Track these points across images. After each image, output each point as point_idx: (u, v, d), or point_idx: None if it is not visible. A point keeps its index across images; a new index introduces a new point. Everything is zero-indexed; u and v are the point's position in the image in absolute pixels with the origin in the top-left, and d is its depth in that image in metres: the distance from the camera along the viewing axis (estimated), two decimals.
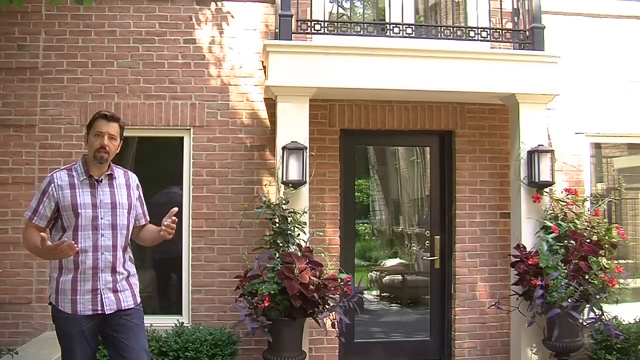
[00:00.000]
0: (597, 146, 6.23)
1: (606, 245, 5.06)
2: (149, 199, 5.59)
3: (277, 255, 4.71)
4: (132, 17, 5.53)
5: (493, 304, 5.36)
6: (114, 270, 3.27)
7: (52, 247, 3.00)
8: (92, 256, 3.20)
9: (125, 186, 3.41)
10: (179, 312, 5.44)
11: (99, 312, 3.22)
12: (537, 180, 5.18)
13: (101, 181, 3.31)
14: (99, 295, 3.22)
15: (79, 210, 3.20)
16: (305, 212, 4.94)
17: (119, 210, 3.32)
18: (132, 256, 3.49)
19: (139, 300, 3.43)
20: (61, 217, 3.23)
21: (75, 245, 3.06)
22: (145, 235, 3.56)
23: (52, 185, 3.23)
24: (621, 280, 4.98)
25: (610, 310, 5.09)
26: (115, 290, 3.27)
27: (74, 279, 3.19)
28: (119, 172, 3.43)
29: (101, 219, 3.25)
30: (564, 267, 4.84)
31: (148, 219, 3.61)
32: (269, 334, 4.55)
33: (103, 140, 3.26)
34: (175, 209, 3.36)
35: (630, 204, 6.37)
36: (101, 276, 3.22)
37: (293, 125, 5.04)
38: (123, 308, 3.29)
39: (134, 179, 3.50)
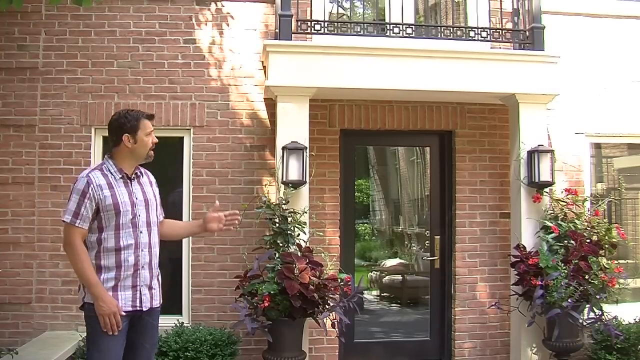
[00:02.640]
0: (597, 146, 6.23)
1: (606, 245, 5.06)
2: None
3: (277, 255, 4.71)
4: (132, 17, 5.53)
5: (493, 304, 5.36)
6: (150, 267, 3.32)
7: (110, 315, 3.09)
8: (133, 254, 3.24)
9: (149, 183, 3.47)
10: (179, 312, 5.44)
11: (137, 308, 3.25)
12: (537, 180, 5.18)
13: (133, 179, 3.35)
14: (138, 292, 3.25)
15: (121, 209, 3.22)
16: (305, 212, 4.93)
17: (150, 207, 3.38)
18: None
19: (161, 299, 3.47)
20: (98, 218, 3.20)
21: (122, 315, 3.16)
22: (176, 230, 3.64)
23: (92, 185, 3.19)
24: (621, 280, 4.98)
25: (610, 310, 5.09)
26: (150, 288, 3.32)
27: (116, 277, 3.19)
28: (141, 170, 3.48)
29: (138, 216, 3.29)
30: (564, 267, 4.84)
31: (164, 215, 3.67)
32: (269, 334, 4.55)
33: (154, 138, 3.38)
34: (218, 203, 3.58)
35: (630, 204, 6.37)
36: (140, 273, 3.26)
37: (293, 125, 5.04)
38: (154, 306, 3.35)
39: (152, 176, 3.57)
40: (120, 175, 3.29)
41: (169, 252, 5.64)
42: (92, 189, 3.18)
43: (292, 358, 4.67)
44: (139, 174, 3.41)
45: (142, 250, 3.28)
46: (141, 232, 3.29)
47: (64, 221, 3.19)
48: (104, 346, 3.18)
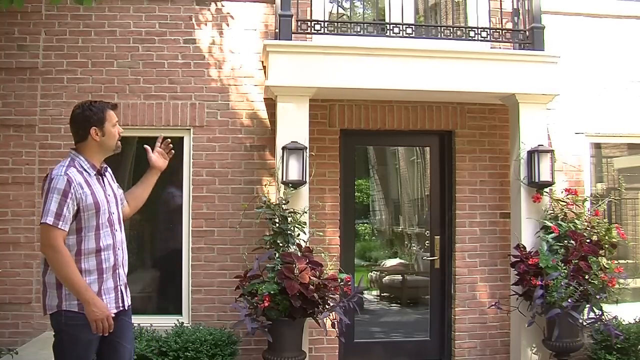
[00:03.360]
0: (597, 146, 6.23)
1: (606, 245, 5.06)
2: (149, 199, 5.62)
3: (277, 255, 4.71)
4: (132, 17, 5.53)
5: (493, 304, 5.36)
6: (124, 265, 3.25)
7: (104, 319, 2.96)
8: (112, 253, 3.13)
9: (111, 178, 3.35)
10: (179, 312, 5.44)
11: (121, 308, 3.17)
12: (537, 180, 5.18)
13: (103, 174, 3.24)
14: (120, 292, 3.17)
15: (101, 207, 3.08)
16: (305, 212, 4.93)
17: (118, 203, 3.28)
18: None
19: None
20: (77, 219, 3.03)
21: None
22: (140, 194, 3.47)
23: (73, 185, 3.00)
24: (621, 280, 4.98)
25: (610, 310, 5.09)
26: (125, 286, 3.24)
27: (99, 280, 3.06)
28: (104, 164, 3.31)
29: (112, 214, 3.17)
30: (564, 267, 4.84)
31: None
32: (269, 334, 4.55)
33: (120, 129, 3.24)
34: (146, 146, 3.46)
35: (630, 204, 6.37)
36: (119, 272, 3.18)
37: (293, 125, 5.04)
38: (129, 304, 3.28)
39: (109, 169, 3.43)
40: (94, 172, 3.15)
41: (169, 251, 5.66)
42: (73, 188, 2.99)
43: (292, 358, 4.67)
44: (104, 169, 3.27)
45: (118, 249, 3.17)
46: (117, 230, 3.17)
47: (44, 223, 2.95)
48: (81, 356, 3.05)
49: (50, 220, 2.95)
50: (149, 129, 5.45)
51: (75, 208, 3.01)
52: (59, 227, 2.95)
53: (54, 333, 3.11)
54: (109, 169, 3.36)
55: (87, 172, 3.12)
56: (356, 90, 5.34)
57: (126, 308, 3.22)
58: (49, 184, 3.01)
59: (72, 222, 3.02)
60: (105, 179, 3.24)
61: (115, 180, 3.38)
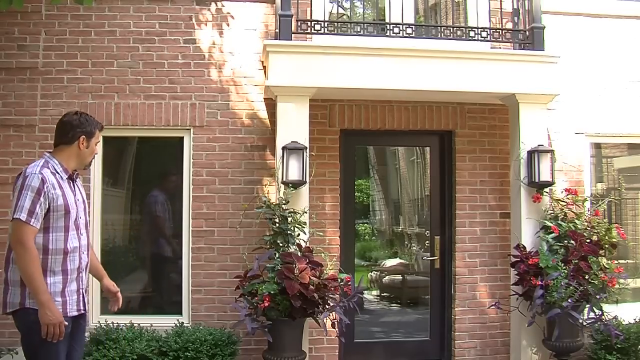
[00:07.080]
0: (597, 146, 6.23)
1: (606, 245, 5.06)
2: (148, 199, 5.64)
3: (277, 255, 4.71)
4: (132, 17, 5.53)
5: (493, 304, 5.36)
6: (87, 270, 3.33)
7: (57, 325, 3.00)
8: (77, 257, 3.20)
9: (81, 185, 3.44)
10: (179, 312, 5.44)
11: (82, 311, 3.25)
12: (537, 180, 5.18)
13: (75, 179, 3.33)
14: (81, 295, 3.24)
15: (70, 210, 3.17)
16: (305, 212, 4.93)
17: (86, 208, 3.38)
18: None
19: None
20: (46, 219, 3.10)
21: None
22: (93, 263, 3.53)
23: (46, 184, 3.09)
24: (621, 280, 4.98)
25: (610, 310, 5.09)
26: (86, 290, 3.33)
27: (63, 281, 3.13)
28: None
29: (80, 218, 3.26)
30: (564, 267, 4.84)
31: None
32: (269, 334, 4.55)
33: (97, 150, 3.48)
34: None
35: (630, 204, 6.37)
36: (82, 276, 3.25)
37: (293, 125, 5.04)
38: (87, 308, 3.37)
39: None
40: (66, 176, 3.23)
41: (169, 252, 5.66)
42: (46, 187, 3.08)
43: (292, 358, 4.67)
44: (76, 175, 3.36)
45: (83, 253, 3.24)
46: (82, 235, 3.25)
47: (17, 219, 3.01)
48: (53, 351, 3.05)
49: (23, 216, 3.01)
50: (149, 129, 5.45)
51: (47, 207, 3.09)
52: (31, 224, 3.03)
53: (21, 335, 3.11)
54: (80, 177, 3.46)
55: (59, 174, 3.20)
56: (356, 90, 5.33)
57: (85, 311, 3.30)
58: (23, 181, 3.08)
59: (41, 220, 3.09)
60: (76, 185, 3.33)
61: (82, 188, 3.46)
